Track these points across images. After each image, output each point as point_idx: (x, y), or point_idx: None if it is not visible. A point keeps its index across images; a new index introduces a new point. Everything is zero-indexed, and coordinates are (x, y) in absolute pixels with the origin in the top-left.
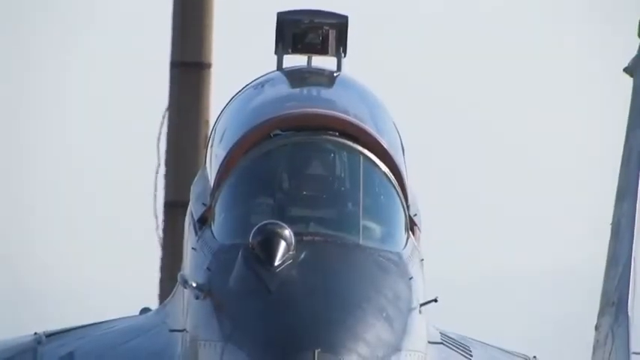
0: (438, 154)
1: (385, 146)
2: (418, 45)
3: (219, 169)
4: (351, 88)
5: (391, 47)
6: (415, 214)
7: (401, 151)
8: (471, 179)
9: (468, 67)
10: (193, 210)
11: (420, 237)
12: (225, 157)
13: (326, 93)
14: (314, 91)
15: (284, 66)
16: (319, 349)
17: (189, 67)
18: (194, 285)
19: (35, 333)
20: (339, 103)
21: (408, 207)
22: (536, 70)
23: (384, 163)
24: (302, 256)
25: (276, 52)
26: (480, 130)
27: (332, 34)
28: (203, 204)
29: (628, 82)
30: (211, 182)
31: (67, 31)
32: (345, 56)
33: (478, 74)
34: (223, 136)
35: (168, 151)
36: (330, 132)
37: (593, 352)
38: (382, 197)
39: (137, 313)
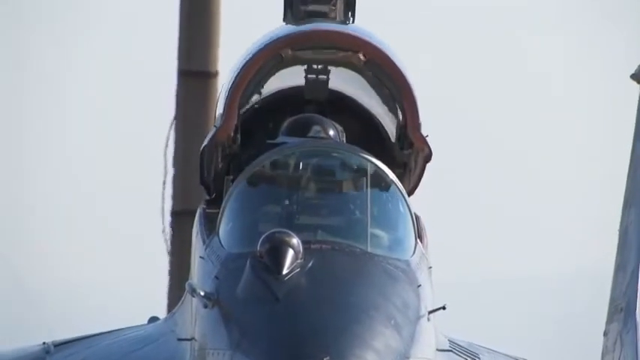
0: (442, 157)
1: (398, 65)
2: (420, 45)
3: (229, 89)
4: (364, 30)
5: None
6: (427, 135)
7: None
8: (475, 183)
9: (473, 69)
10: (205, 144)
11: (428, 244)
12: (237, 77)
13: (337, 26)
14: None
15: None
16: (328, 357)
17: (196, 76)
18: (202, 294)
19: (44, 343)
20: (351, 30)
21: (419, 126)
22: (542, 72)
23: (396, 81)
24: (310, 264)
25: (284, 20)
26: (485, 132)
27: (340, 0)
28: (215, 126)
29: (635, 88)
30: (221, 108)
31: (73, 39)
32: (353, 22)
33: (483, 76)
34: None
35: (175, 160)
36: (341, 52)
37: (602, 359)
38: (390, 205)
39: (145, 322)
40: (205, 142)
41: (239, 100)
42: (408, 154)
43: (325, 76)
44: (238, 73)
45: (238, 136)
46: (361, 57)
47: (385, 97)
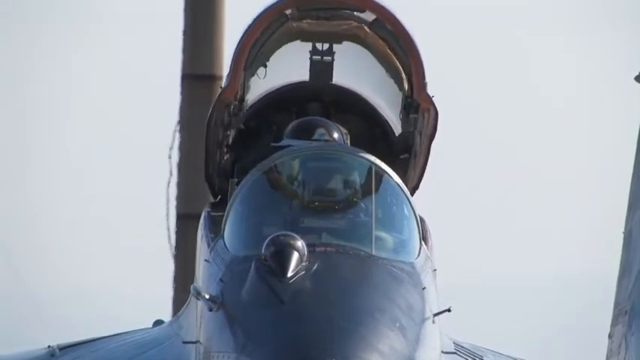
0: (443, 158)
1: (404, 24)
2: (426, 46)
3: (235, 49)
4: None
5: None
6: (433, 96)
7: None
8: (480, 186)
9: (473, 70)
10: (210, 111)
11: (433, 247)
12: (243, 36)
13: None
14: None
15: None
16: None
17: (200, 80)
18: (207, 297)
19: (49, 346)
20: None
21: (425, 85)
22: (545, 74)
23: (402, 40)
24: (314, 267)
25: None
26: (486, 135)
27: None
28: (220, 87)
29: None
30: (228, 70)
31: (78, 44)
32: None
33: (484, 77)
34: None
35: (180, 164)
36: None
37: None
38: (394, 207)
39: (150, 325)
40: (211, 109)
41: (245, 60)
42: (414, 120)
43: (330, 58)
44: (244, 32)
45: (244, 105)
46: (367, 29)
47: (391, 68)
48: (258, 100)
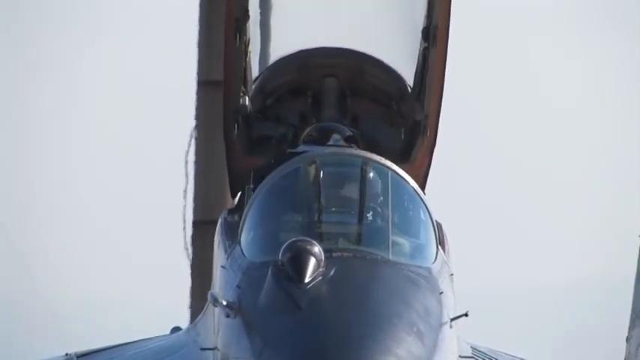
0: (451, 164)
1: None
2: None
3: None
4: None
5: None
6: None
7: None
8: (491, 192)
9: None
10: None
11: (450, 251)
12: None
13: None
14: None
15: None
16: None
17: (216, 86)
18: (224, 303)
19: (66, 354)
20: None
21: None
22: (559, 83)
23: None
24: (332, 272)
25: None
26: (501, 141)
27: None
28: None
29: None
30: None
31: (92, 51)
32: None
33: (489, 79)
34: None
35: (196, 171)
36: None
37: None
38: (411, 212)
39: (168, 332)
40: None
41: None
42: None
43: None
44: None
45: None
46: None
47: None
48: (272, 72)
